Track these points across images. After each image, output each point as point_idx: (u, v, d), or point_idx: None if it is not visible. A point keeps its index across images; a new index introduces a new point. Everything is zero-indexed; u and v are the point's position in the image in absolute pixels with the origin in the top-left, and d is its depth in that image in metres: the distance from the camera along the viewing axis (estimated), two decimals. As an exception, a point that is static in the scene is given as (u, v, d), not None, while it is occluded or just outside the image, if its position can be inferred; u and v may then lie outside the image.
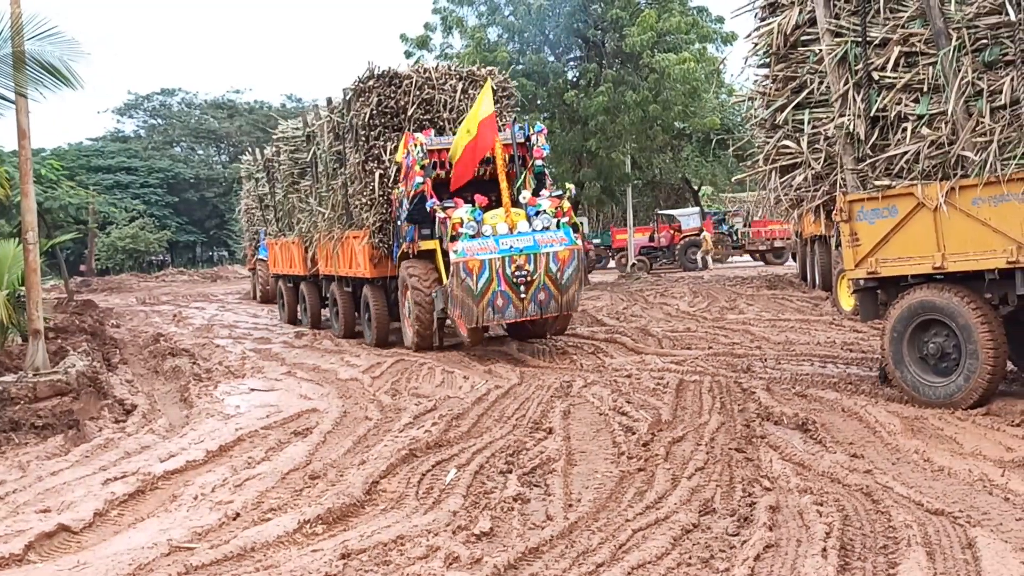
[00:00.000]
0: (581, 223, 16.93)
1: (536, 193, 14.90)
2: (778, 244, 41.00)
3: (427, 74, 16.95)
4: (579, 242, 14.33)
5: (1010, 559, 4.97)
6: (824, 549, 5.22)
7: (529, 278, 13.73)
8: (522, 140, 15.80)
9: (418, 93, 16.65)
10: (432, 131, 15.86)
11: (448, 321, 15.21)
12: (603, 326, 17.67)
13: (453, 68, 17.57)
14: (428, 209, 14.54)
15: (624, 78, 28.04)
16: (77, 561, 6.05)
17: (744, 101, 10.98)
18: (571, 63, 31.38)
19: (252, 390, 12.72)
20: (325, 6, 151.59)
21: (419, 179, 14.83)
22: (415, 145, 14.91)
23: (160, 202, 67.44)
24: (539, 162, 15.63)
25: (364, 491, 7.17)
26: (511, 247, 13.77)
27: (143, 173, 68.27)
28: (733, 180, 19.52)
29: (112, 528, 6.90)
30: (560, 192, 14.88)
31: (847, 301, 16.39)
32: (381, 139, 16.46)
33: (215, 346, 18.57)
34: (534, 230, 14.06)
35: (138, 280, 51.55)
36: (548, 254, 13.82)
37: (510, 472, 7.49)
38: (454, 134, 15.78)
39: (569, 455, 7.95)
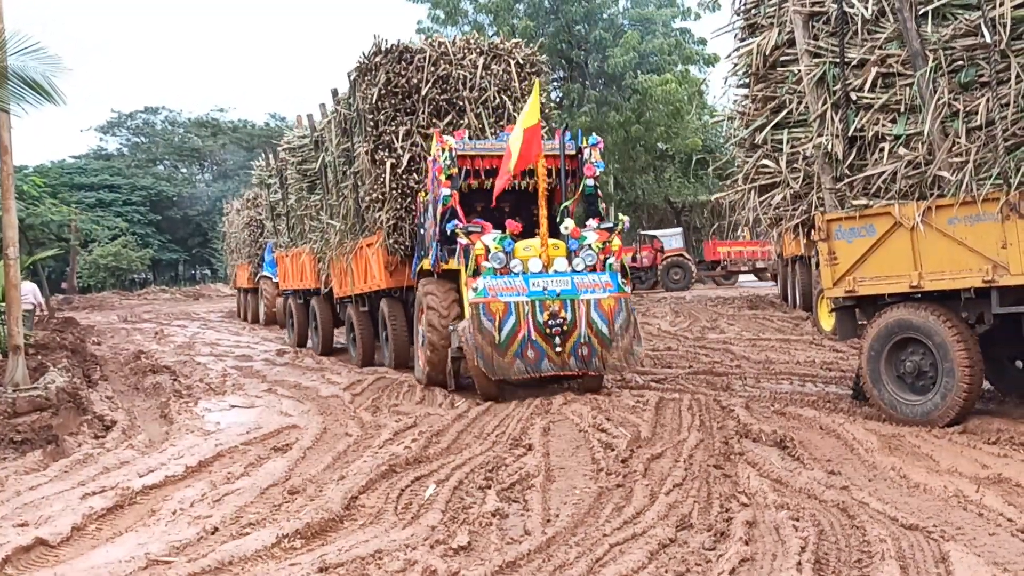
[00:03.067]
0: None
1: (583, 223, 12.46)
2: (730, 268, 41.56)
3: (442, 48, 14.93)
4: (627, 288, 12.01)
5: (982, 572, 5.01)
6: (799, 563, 5.25)
7: (565, 327, 11.43)
8: (572, 152, 13.08)
9: (433, 69, 14.62)
10: (466, 132, 13.40)
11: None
12: (584, 345, 17.71)
13: (473, 41, 15.42)
14: (449, 231, 12.14)
15: (607, 99, 28.25)
16: (54, 574, 6.03)
17: (724, 121, 11.07)
18: (555, 83, 31.56)
19: (232, 407, 12.71)
20: (310, 25, 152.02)
21: (446, 192, 12.44)
22: (442, 149, 12.57)
23: (143, 220, 67.30)
24: (590, 182, 12.83)
25: (343, 506, 7.16)
26: (544, 289, 11.51)
27: (126, 191, 68.12)
28: (713, 198, 18.99)
29: (90, 542, 6.87)
30: (611, 224, 12.30)
31: (827, 321, 16.49)
32: (392, 124, 14.50)
33: (196, 363, 18.55)
34: (574, 271, 11.73)
35: (120, 298, 51.38)
36: (588, 302, 11.53)
37: (489, 488, 7.50)
38: (476, 117, 14.48)
39: (548, 471, 7.97)
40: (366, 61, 14.81)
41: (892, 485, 7.09)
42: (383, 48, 14.62)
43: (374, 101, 14.54)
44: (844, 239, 9.46)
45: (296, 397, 13.26)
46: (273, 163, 23.11)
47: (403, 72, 14.55)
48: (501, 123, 14.66)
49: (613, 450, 8.51)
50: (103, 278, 59.88)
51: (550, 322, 11.37)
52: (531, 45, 16.17)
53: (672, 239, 41.49)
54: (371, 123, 14.59)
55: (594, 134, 13.67)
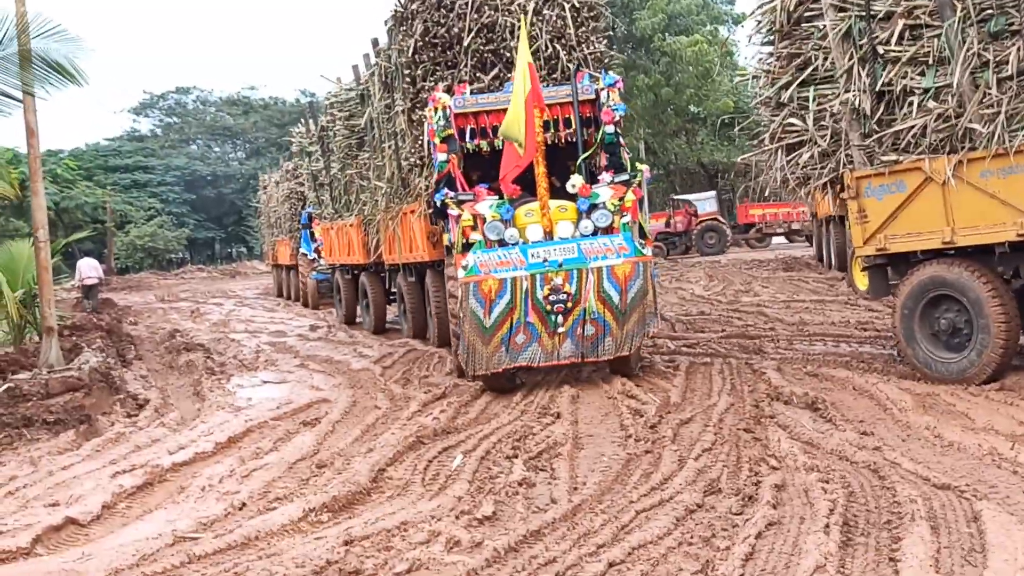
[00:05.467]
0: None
1: (594, 178, 10.75)
2: (765, 230, 41.11)
3: None
4: (647, 250, 10.30)
5: (1015, 531, 4.90)
6: (827, 525, 5.16)
7: (569, 304, 9.85)
8: (591, 97, 11.31)
9: (476, 17, 12.92)
10: (466, 87, 11.95)
11: None
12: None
13: None
14: (437, 202, 10.70)
15: (635, 62, 27.95)
16: (83, 553, 6.05)
17: (749, 80, 10.86)
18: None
19: (264, 382, 12.78)
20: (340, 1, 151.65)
21: (442, 157, 11.02)
22: (435, 109, 11.19)
23: (178, 200, 67.71)
24: (610, 128, 11.02)
25: (370, 479, 7.15)
26: (545, 260, 9.86)
27: (160, 172, 68.57)
28: (739, 160, 18.12)
29: (120, 520, 6.92)
30: (627, 176, 10.59)
31: (862, 281, 16.27)
32: (431, 79, 12.91)
33: (230, 340, 18.66)
34: (582, 235, 10.11)
35: (157, 278, 51.79)
36: (599, 270, 9.86)
37: (516, 457, 7.45)
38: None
39: (576, 439, 7.92)
40: (402, 9, 13.32)
41: (925, 445, 6.97)
42: None
43: (411, 54, 13.08)
44: (874, 196, 9.28)
45: (327, 371, 13.29)
46: (314, 129, 21.83)
47: (442, 20, 13.00)
48: (555, 75, 12.83)
49: (642, 416, 8.43)
50: (140, 259, 60.34)
51: (550, 297, 9.81)
52: None
53: (706, 203, 41.13)
54: (408, 79, 13.15)
55: (611, 72, 11.92)
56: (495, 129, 11.09)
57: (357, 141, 17.25)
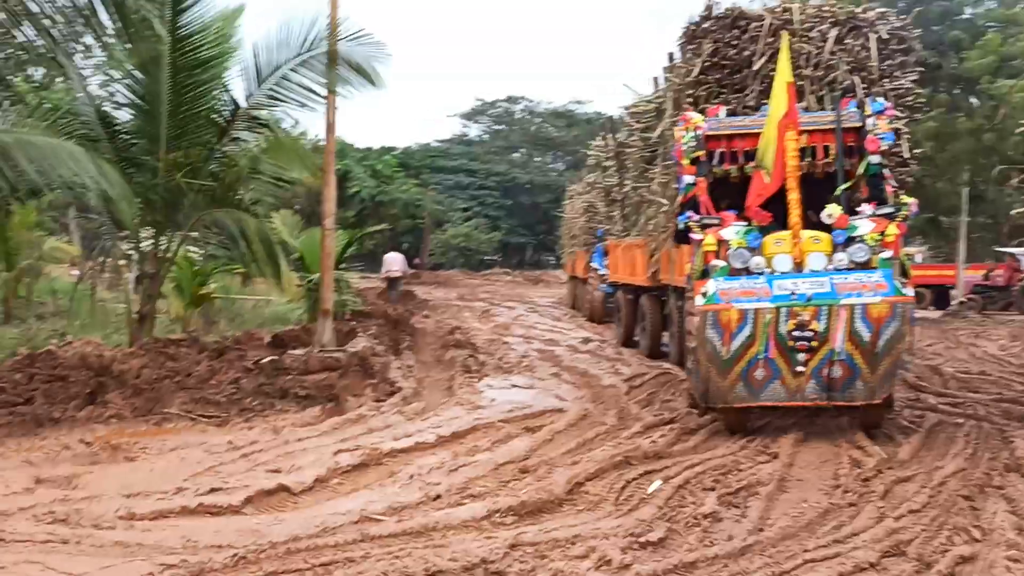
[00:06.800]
0: (910, 257, 10.42)
1: (853, 210, 9.77)
2: None
3: (787, 15, 12.65)
4: (907, 291, 9.18)
5: None
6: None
7: (814, 343, 9.02)
8: (857, 124, 10.50)
9: (770, 40, 12.21)
10: (723, 108, 11.21)
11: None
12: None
13: (827, 8, 12.91)
14: (681, 225, 9.99)
15: (959, 104, 26.50)
16: (276, 517, 6.57)
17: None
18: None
19: (513, 386, 13.12)
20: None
21: (688, 179, 10.38)
22: (686, 129, 10.56)
23: (495, 204, 70.17)
24: (875, 158, 10.18)
25: (565, 490, 7.30)
26: (792, 293, 9.02)
27: (481, 176, 71.35)
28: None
29: (328, 494, 7.44)
30: (891, 209, 9.61)
31: None
32: (714, 101, 12.18)
33: (503, 343, 19.23)
34: (836, 269, 9.25)
35: (465, 277, 53.92)
36: (852, 308, 8.93)
37: (713, 490, 7.38)
38: (818, 100, 11.97)
39: (782, 481, 7.71)
40: (693, 27, 12.85)
41: None
42: (713, 13, 12.70)
43: (696, 74, 12.58)
44: None
45: (576, 384, 13.48)
46: (611, 143, 21.60)
47: (734, 42, 12.50)
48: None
49: (859, 468, 8.09)
50: (453, 257, 63.03)
51: (795, 333, 8.97)
52: (902, 16, 13.43)
53: (1032, 258, 38.35)
54: (690, 99, 12.55)
55: (881, 99, 10.99)
56: (747, 154, 10.54)
57: (650, 155, 16.47)
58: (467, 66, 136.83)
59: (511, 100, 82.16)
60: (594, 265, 27.16)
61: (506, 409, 10.97)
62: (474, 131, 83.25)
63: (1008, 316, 33.31)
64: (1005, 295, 38.36)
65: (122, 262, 14.23)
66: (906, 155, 12.58)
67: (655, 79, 16.49)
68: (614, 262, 21.53)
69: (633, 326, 19.44)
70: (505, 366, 15.19)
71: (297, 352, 12.62)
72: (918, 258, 42.40)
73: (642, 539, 6.04)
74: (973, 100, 27.20)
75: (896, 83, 12.53)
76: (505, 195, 71.35)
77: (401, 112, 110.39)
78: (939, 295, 37.75)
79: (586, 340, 20.47)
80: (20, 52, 10.46)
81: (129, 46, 10.97)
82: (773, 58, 11.63)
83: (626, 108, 18.48)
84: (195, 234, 14.09)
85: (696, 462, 8.29)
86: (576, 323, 26.70)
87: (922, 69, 14.47)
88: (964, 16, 27.90)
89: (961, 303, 34.71)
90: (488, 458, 8.40)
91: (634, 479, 7.76)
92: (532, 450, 8.78)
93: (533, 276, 58.45)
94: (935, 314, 33.71)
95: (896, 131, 11.65)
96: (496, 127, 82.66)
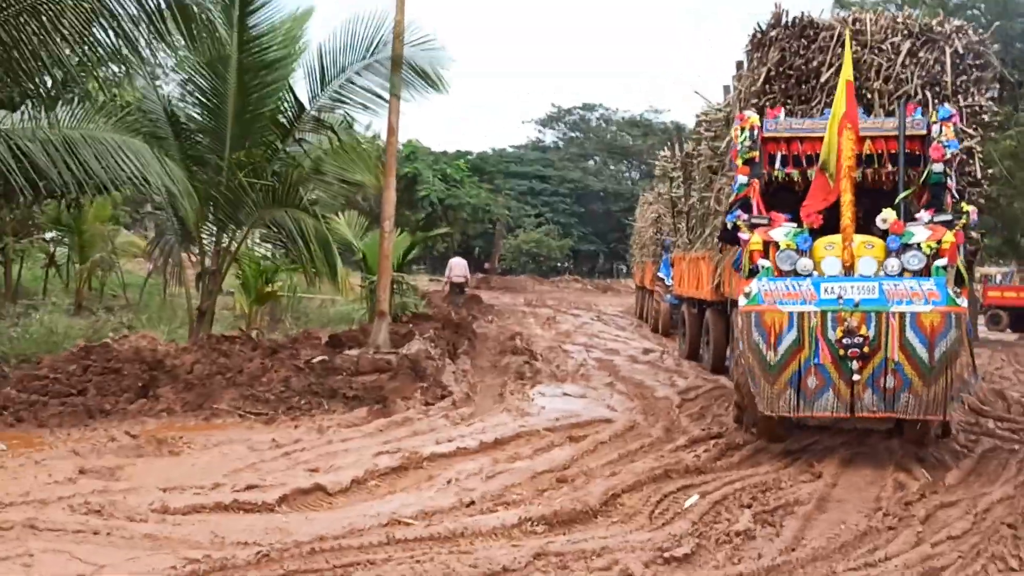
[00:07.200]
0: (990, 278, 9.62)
1: (911, 215, 9.62)
2: None
3: (858, 26, 12.23)
4: (961, 300, 8.82)
5: None
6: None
7: (866, 349, 8.67)
8: (922, 132, 10.12)
9: (840, 51, 11.69)
10: (781, 110, 10.96)
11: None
12: (956, 382, 16.25)
13: (902, 20, 12.43)
14: (729, 224, 9.88)
15: (1043, 122, 25.90)
16: (307, 517, 6.62)
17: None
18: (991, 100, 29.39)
19: (564, 394, 13.06)
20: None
21: (742, 179, 10.11)
22: (743, 128, 10.31)
23: (567, 211, 70.20)
24: (938, 167, 9.83)
25: (601, 501, 7.24)
26: (839, 297, 8.78)
27: (555, 182, 71.42)
28: None
29: (363, 495, 7.46)
30: (948, 217, 9.28)
31: None
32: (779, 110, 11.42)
33: (562, 351, 19.19)
34: (886, 275, 8.91)
35: (534, 283, 54.00)
36: (902, 315, 8.66)
37: (749, 507, 7.27)
38: (887, 115, 11.17)
39: (822, 500, 7.59)
40: (760, 34, 12.53)
41: None
42: (783, 20, 12.30)
43: (761, 83, 12.25)
44: None
45: (630, 394, 13.39)
46: (678, 153, 21.21)
47: (801, 51, 12.10)
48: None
49: (903, 491, 7.93)
50: (524, 262, 63.15)
51: (844, 340, 8.65)
52: (980, 31, 12.86)
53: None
54: (756, 109, 11.71)
55: (946, 105, 10.61)
56: (808, 159, 10.24)
57: (716, 165, 16.06)
58: (503, 64, 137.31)
59: (587, 107, 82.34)
60: (661, 276, 27.01)
61: (553, 417, 10.92)
62: (549, 137, 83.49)
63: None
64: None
65: (185, 258, 14.44)
66: (978, 175, 12.16)
67: (725, 87, 15.89)
68: (679, 274, 21.07)
69: (698, 340, 19.11)
70: (560, 374, 15.14)
71: (351, 352, 12.71)
72: (998, 278, 41.61)
73: (668, 554, 5.97)
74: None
75: (971, 100, 12.06)
76: (578, 202, 71.40)
77: (472, 117, 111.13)
78: (1018, 317, 36.87)
79: (647, 351, 20.33)
80: (92, 50, 10.61)
81: (191, 48, 11.12)
82: (841, 70, 10.91)
83: (697, 117, 17.79)
84: (256, 233, 14.28)
85: (737, 478, 8.18)
86: (640, 333, 26.55)
87: (997, 86, 13.97)
88: (1048, 33, 27.30)
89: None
90: (527, 466, 8.36)
91: (671, 493, 7.68)
92: (573, 460, 8.73)
93: (603, 284, 58.39)
94: (1012, 336, 32.98)
95: (970, 150, 11.50)
96: (572, 134, 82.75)
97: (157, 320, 17.26)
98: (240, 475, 7.69)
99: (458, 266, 29.01)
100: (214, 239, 13.84)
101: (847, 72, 9.37)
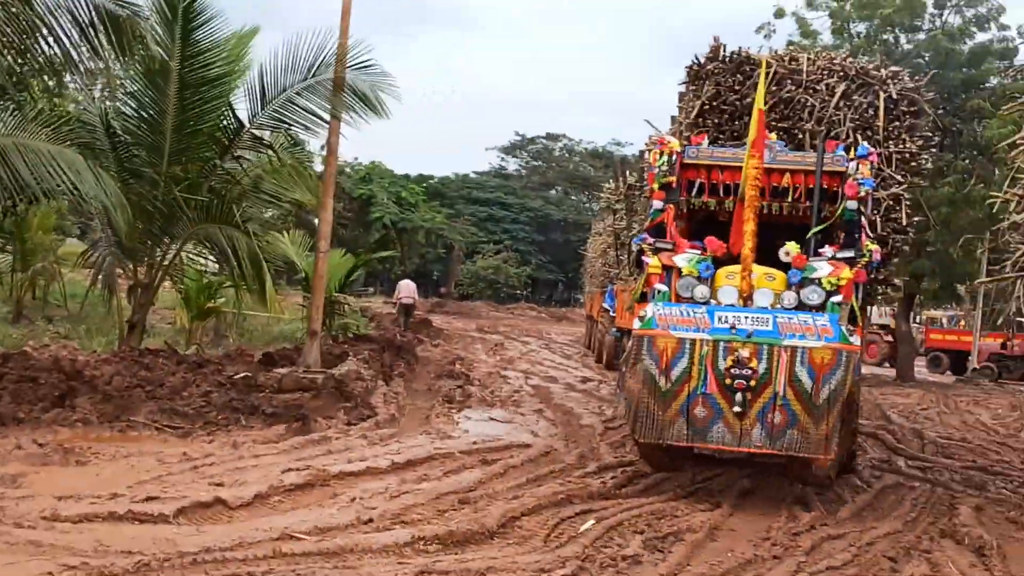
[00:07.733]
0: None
1: (816, 250, 9.39)
2: None
3: (794, 64, 12.09)
4: (854, 339, 8.78)
5: None
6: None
7: (753, 383, 8.51)
8: (841, 169, 9.82)
9: (775, 89, 11.71)
10: (705, 138, 10.76)
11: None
12: (881, 420, 16.50)
13: (838, 61, 12.30)
14: (635, 247, 9.80)
15: (975, 171, 26.41)
16: (199, 529, 6.67)
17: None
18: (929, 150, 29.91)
19: (491, 419, 13.21)
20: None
21: (657, 204, 9.89)
22: (661, 153, 10.02)
23: (527, 239, 70.49)
24: (852, 204, 9.57)
25: (499, 523, 7.32)
26: (733, 327, 8.67)
27: (516, 210, 71.72)
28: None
29: (264, 510, 7.52)
30: (850, 254, 9.20)
31: None
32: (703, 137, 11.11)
33: (500, 377, 19.31)
34: (782, 307, 8.84)
35: (489, 309, 54.11)
36: (794, 350, 8.53)
37: (642, 533, 7.42)
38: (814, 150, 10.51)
39: (714, 529, 7.75)
40: (696, 66, 12.27)
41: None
42: (720, 54, 12.14)
43: (694, 116, 12.02)
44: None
45: (556, 421, 13.53)
46: (621, 186, 21.45)
47: (736, 87, 11.93)
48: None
49: (795, 522, 8.11)
50: (481, 288, 63.28)
51: (733, 370, 8.50)
52: (917, 77, 12.80)
53: (1055, 330, 37.92)
54: (687, 141, 11.10)
55: (865, 144, 10.52)
56: (727, 188, 9.97)
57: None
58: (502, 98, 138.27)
59: (550, 137, 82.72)
60: (606, 307, 27.16)
61: (471, 441, 11.04)
62: (512, 165, 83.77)
63: (1022, 386, 32.91)
64: (1022, 365, 37.87)
65: (118, 270, 14.43)
66: (904, 221, 12.29)
67: (672, 117, 15.34)
68: (620, 306, 21.16)
69: None
70: (492, 399, 15.27)
71: (278, 371, 12.78)
72: (944, 322, 42.17)
73: (552, 574, 6.09)
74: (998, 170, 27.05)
75: (902, 145, 11.95)
76: (538, 231, 71.70)
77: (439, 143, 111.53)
78: (957, 360, 37.48)
79: (585, 380, 20.52)
80: (27, 61, 10.67)
81: (121, 61, 11.19)
82: (776, 107, 11.58)
83: (644, 147, 18.24)
84: (191, 247, 14.32)
85: (636, 505, 8.32)
86: (585, 363, 26.73)
87: (930, 135, 14.00)
88: (988, 85, 27.96)
89: (975, 370, 34.43)
90: (433, 487, 8.45)
91: (570, 517, 7.79)
92: (480, 482, 8.82)
93: (559, 313, 58.60)
94: (949, 379, 33.42)
95: (897, 196, 11.53)
96: (534, 163, 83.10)
97: (96, 331, 17.22)
98: (143, 487, 7.71)
99: (407, 288, 29.40)
100: (147, 252, 13.85)
101: (759, 101, 9.29)
